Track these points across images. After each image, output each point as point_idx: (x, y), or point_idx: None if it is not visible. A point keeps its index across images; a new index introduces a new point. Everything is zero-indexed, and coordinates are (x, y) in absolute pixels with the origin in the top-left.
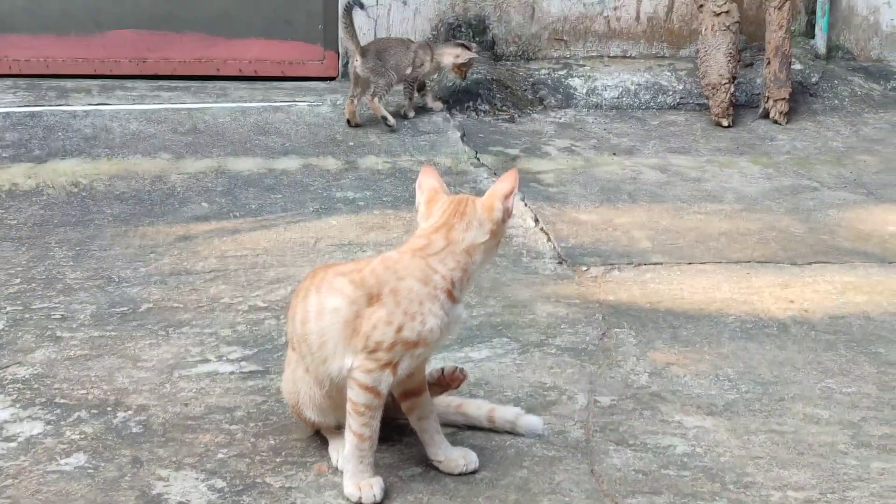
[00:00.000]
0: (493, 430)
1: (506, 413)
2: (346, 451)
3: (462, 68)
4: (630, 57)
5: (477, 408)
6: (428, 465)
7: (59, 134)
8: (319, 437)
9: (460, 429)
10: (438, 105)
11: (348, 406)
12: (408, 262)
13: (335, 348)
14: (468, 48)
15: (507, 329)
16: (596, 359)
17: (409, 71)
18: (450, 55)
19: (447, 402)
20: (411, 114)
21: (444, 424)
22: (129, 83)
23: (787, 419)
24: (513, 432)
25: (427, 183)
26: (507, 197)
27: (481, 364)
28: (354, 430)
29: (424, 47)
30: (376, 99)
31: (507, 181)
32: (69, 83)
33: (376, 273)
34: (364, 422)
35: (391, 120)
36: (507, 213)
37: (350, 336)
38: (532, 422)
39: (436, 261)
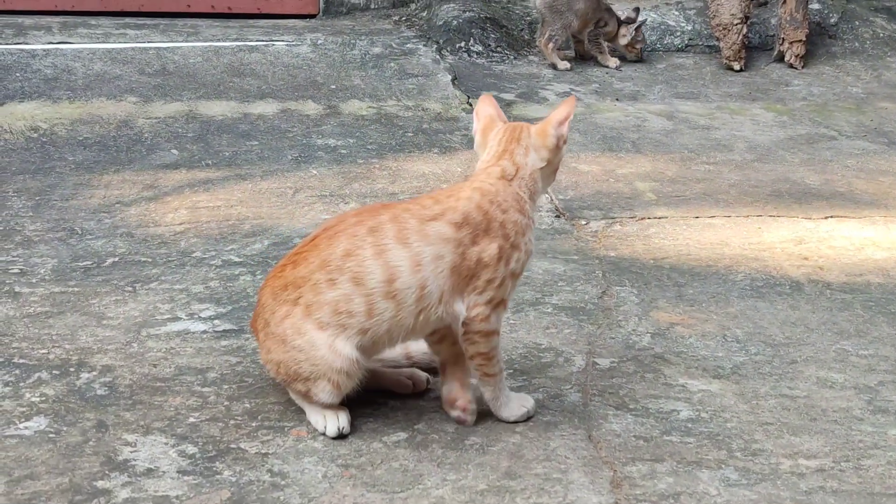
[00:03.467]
0: (415, 366)
1: (420, 345)
2: (492, 394)
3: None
4: None
5: (391, 351)
6: (414, 431)
7: (17, 75)
8: None
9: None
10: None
11: (476, 358)
12: (503, 191)
13: (441, 296)
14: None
15: None
16: (595, 318)
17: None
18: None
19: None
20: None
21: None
22: (92, 20)
23: (798, 383)
24: (432, 365)
25: (484, 111)
26: (561, 123)
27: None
28: (490, 373)
29: (611, 10)
30: (551, 44)
31: (564, 107)
32: (27, 20)
33: (483, 208)
34: (496, 360)
35: (562, 65)
36: (562, 140)
37: (457, 281)
38: None
39: (518, 187)
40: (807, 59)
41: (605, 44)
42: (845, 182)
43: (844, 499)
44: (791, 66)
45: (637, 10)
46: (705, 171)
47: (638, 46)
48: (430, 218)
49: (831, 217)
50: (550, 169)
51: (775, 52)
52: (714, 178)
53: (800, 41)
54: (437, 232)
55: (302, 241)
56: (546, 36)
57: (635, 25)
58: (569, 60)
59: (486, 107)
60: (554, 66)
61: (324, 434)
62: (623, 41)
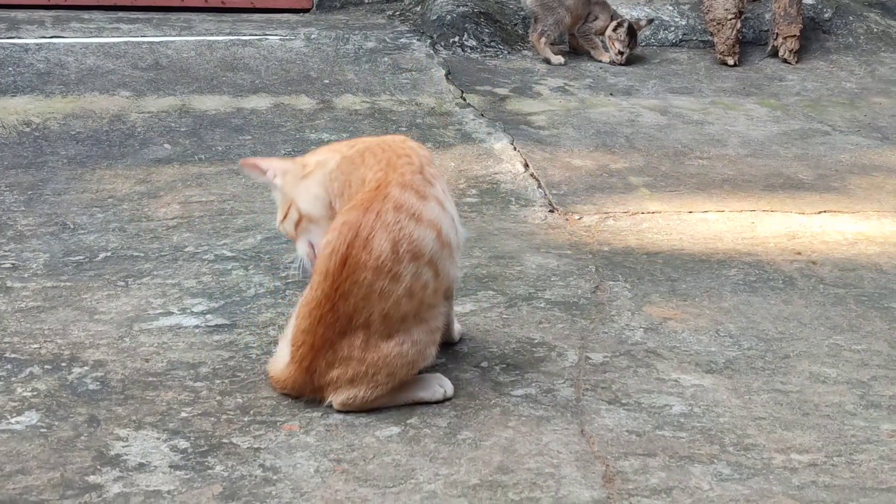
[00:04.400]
0: None
1: None
2: None
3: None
4: None
5: None
6: (406, 426)
7: (10, 69)
8: (290, 395)
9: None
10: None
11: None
12: None
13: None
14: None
15: (494, 281)
16: (588, 313)
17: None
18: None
19: None
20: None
21: None
22: (85, 14)
23: (791, 378)
24: None
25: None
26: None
27: (465, 319)
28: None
29: (605, 5)
30: (543, 39)
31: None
32: (20, 14)
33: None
34: None
35: (556, 59)
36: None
37: None
38: None
39: None
40: (801, 54)
41: (598, 38)
42: (839, 177)
43: (837, 493)
44: (785, 61)
45: (651, 21)
46: (699, 165)
47: (616, 45)
48: (417, 170)
49: (825, 212)
50: None
51: (769, 48)
52: (707, 173)
53: (794, 36)
54: (431, 174)
55: (323, 280)
56: (538, 31)
57: (617, 22)
58: (562, 55)
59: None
60: (547, 61)
61: (445, 399)
62: (607, 33)
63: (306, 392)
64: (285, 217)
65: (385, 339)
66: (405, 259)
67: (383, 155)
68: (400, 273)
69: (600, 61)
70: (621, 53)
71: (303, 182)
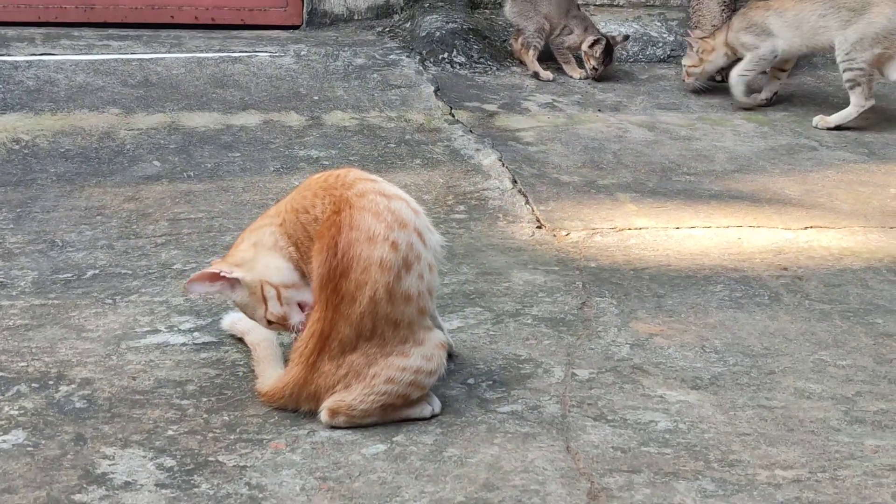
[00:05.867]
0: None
1: None
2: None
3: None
4: (618, 6)
5: None
6: (392, 443)
7: None
8: (276, 413)
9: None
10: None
11: None
12: None
13: None
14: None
15: (481, 298)
16: (575, 329)
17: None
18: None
19: None
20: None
21: None
22: (75, 31)
23: (776, 393)
24: None
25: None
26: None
27: (452, 335)
28: None
29: (582, 20)
30: (531, 51)
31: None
32: (10, 31)
33: None
34: None
35: (545, 75)
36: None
37: None
38: None
39: None
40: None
41: (570, 53)
42: (825, 192)
43: None
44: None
45: (626, 37)
46: (686, 181)
47: (592, 61)
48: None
49: (811, 227)
50: None
51: None
52: (694, 189)
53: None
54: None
55: (316, 275)
56: (523, 43)
57: (594, 38)
58: (552, 71)
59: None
60: (536, 76)
61: (432, 416)
62: (583, 48)
63: (303, 396)
64: (266, 304)
65: (398, 344)
66: (395, 227)
67: (318, 190)
68: (396, 241)
69: (571, 76)
70: (595, 69)
71: (258, 261)
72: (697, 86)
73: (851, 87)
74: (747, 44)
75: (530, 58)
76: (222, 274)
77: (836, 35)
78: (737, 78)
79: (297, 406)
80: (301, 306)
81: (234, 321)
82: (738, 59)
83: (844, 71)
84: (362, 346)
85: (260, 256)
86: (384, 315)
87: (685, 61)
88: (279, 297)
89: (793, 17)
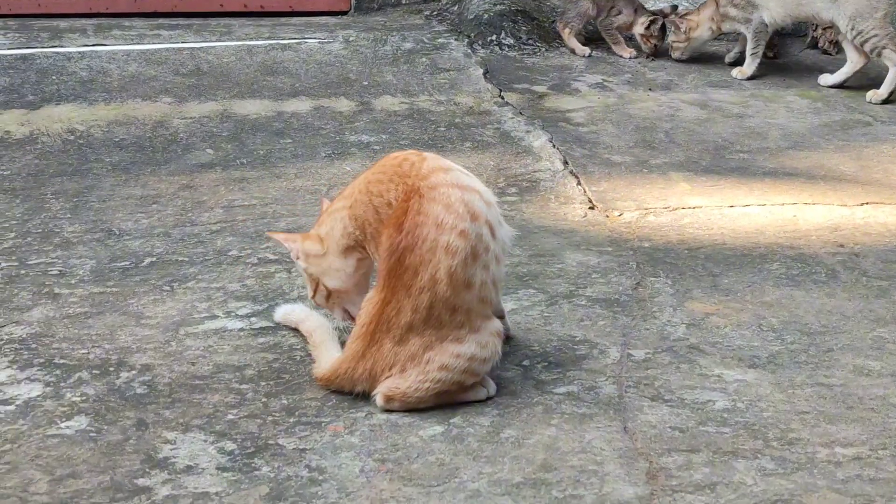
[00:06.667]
0: None
1: None
2: None
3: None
4: None
5: None
6: (450, 425)
7: (53, 77)
8: (335, 396)
9: None
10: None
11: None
12: None
13: None
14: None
15: (534, 280)
16: (629, 310)
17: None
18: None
19: None
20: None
21: None
22: (126, 22)
23: (835, 371)
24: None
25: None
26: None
27: (507, 317)
28: None
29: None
30: (567, 29)
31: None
32: (62, 23)
33: None
34: None
35: (581, 50)
36: (296, 255)
37: None
38: None
39: None
40: (840, 44)
41: (619, 34)
42: (881, 168)
43: (881, 486)
44: (825, 52)
45: (675, 7)
46: (739, 159)
47: (652, 41)
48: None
49: (867, 203)
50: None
51: (808, 39)
52: (748, 167)
53: (833, 27)
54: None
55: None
56: (563, 22)
57: (650, 18)
58: (589, 46)
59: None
60: (573, 51)
61: (487, 398)
62: (637, 30)
63: (358, 375)
64: (315, 293)
65: (454, 329)
66: (466, 217)
67: (394, 176)
68: (466, 230)
69: (620, 56)
70: (656, 47)
71: (324, 260)
72: (684, 58)
73: (878, 54)
74: (737, 17)
75: (567, 35)
76: (292, 255)
77: (823, 8)
78: (749, 57)
79: (353, 386)
80: (347, 312)
81: (286, 312)
82: (723, 33)
83: (861, 44)
84: (419, 327)
85: (327, 255)
86: (443, 298)
87: (671, 37)
88: (328, 297)
89: None
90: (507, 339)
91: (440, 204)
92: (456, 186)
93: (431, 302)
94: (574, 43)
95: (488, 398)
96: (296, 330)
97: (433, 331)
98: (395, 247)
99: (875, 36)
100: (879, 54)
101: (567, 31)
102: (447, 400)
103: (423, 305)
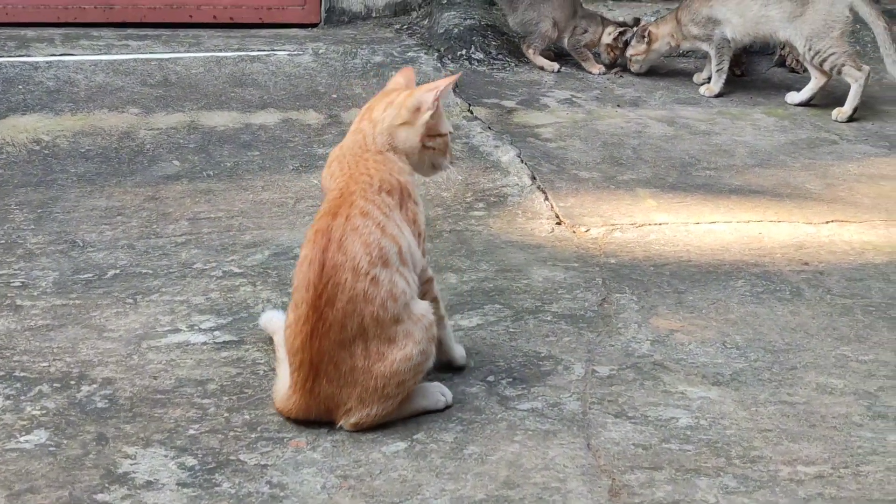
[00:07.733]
0: None
1: None
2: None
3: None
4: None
5: None
6: (413, 441)
7: (20, 87)
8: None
9: None
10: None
11: (432, 303)
12: (388, 161)
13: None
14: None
15: (500, 295)
16: (595, 326)
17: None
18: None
19: None
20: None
21: None
22: (94, 32)
23: (798, 389)
24: None
25: (393, 81)
26: (430, 90)
27: (472, 333)
28: (442, 314)
29: (593, 18)
30: (531, 50)
31: (443, 80)
32: (30, 32)
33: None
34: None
35: (549, 66)
36: (425, 106)
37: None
38: None
39: (383, 147)
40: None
41: (587, 51)
42: (846, 186)
43: None
44: (792, 70)
45: (637, 20)
46: (706, 176)
47: (615, 52)
48: (376, 192)
49: (832, 221)
50: (415, 135)
51: (776, 57)
52: (715, 184)
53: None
54: (387, 202)
55: (305, 292)
56: (527, 44)
57: (619, 30)
58: (559, 62)
59: (398, 77)
60: (542, 68)
61: (446, 407)
62: (605, 39)
63: (313, 416)
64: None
65: (388, 344)
66: (378, 264)
67: (349, 167)
68: (377, 277)
69: (590, 73)
70: (616, 58)
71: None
72: (642, 71)
73: (838, 72)
74: (699, 35)
75: (532, 55)
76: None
77: (780, 27)
78: (715, 74)
79: (308, 417)
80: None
81: (269, 319)
82: (680, 51)
83: (820, 64)
84: (350, 347)
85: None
86: (372, 321)
87: (630, 50)
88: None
89: (735, 4)
90: (456, 368)
91: (360, 239)
92: (379, 228)
93: (366, 344)
94: (541, 60)
95: (447, 407)
96: (271, 340)
97: (378, 344)
98: (316, 302)
99: (833, 54)
100: (839, 72)
101: (531, 51)
102: (408, 407)
103: (360, 349)
